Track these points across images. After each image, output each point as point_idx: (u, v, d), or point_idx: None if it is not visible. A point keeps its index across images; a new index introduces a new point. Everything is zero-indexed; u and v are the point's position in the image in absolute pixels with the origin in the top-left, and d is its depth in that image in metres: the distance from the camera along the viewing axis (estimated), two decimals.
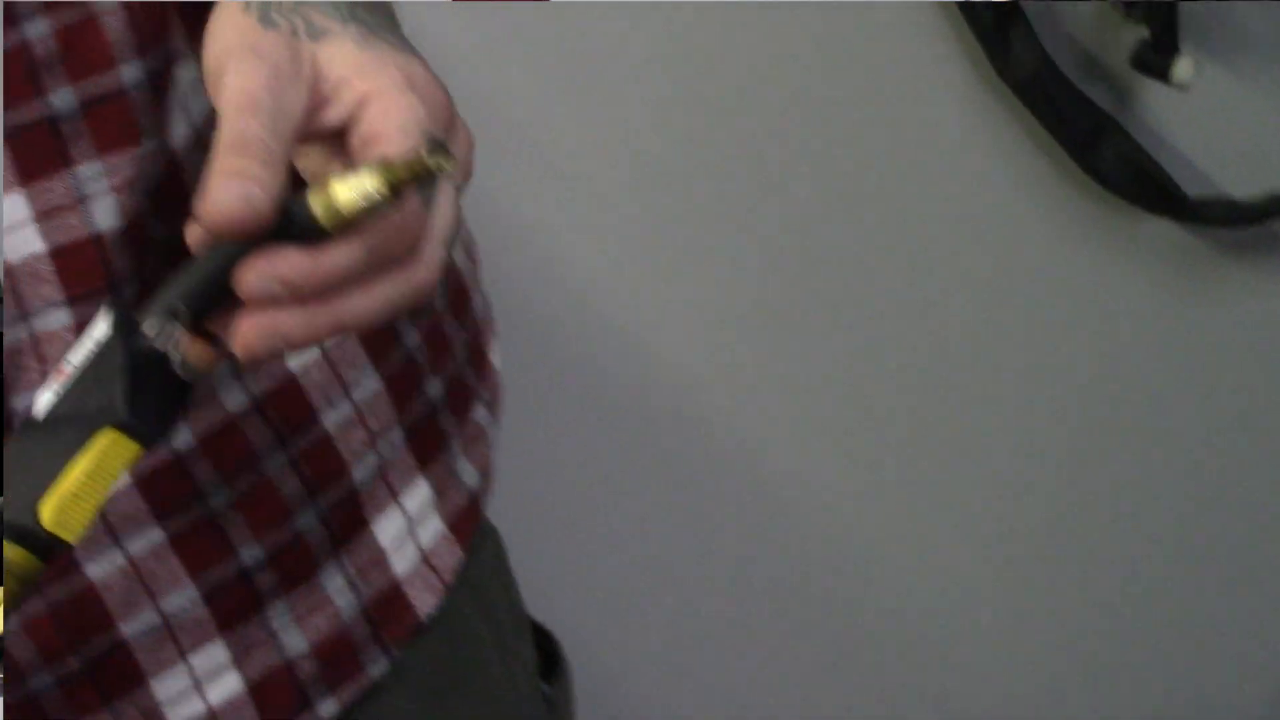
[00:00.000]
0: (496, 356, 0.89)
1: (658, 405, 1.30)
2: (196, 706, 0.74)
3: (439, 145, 0.56)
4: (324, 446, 0.76)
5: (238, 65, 0.59)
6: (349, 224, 0.57)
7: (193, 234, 0.58)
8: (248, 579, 0.74)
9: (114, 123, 0.68)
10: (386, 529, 0.78)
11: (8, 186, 0.67)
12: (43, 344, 0.68)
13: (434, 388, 0.81)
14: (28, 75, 0.67)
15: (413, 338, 0.80)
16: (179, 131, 0.71)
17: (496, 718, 0.85)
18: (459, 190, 0.63)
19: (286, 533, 0.75)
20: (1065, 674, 1.44)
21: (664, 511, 1.33)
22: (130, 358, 0.58)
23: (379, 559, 0.78)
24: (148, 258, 0.70)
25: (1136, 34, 1.22)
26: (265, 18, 0.62)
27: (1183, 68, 1.20)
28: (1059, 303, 1.33)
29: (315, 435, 0.75)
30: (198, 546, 0.73)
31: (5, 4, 0.66)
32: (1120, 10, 1.22)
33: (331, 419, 0.76)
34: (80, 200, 0.68)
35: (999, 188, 1.29)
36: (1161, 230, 1.32)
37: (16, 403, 0.68)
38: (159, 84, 0.70)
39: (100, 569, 0.71)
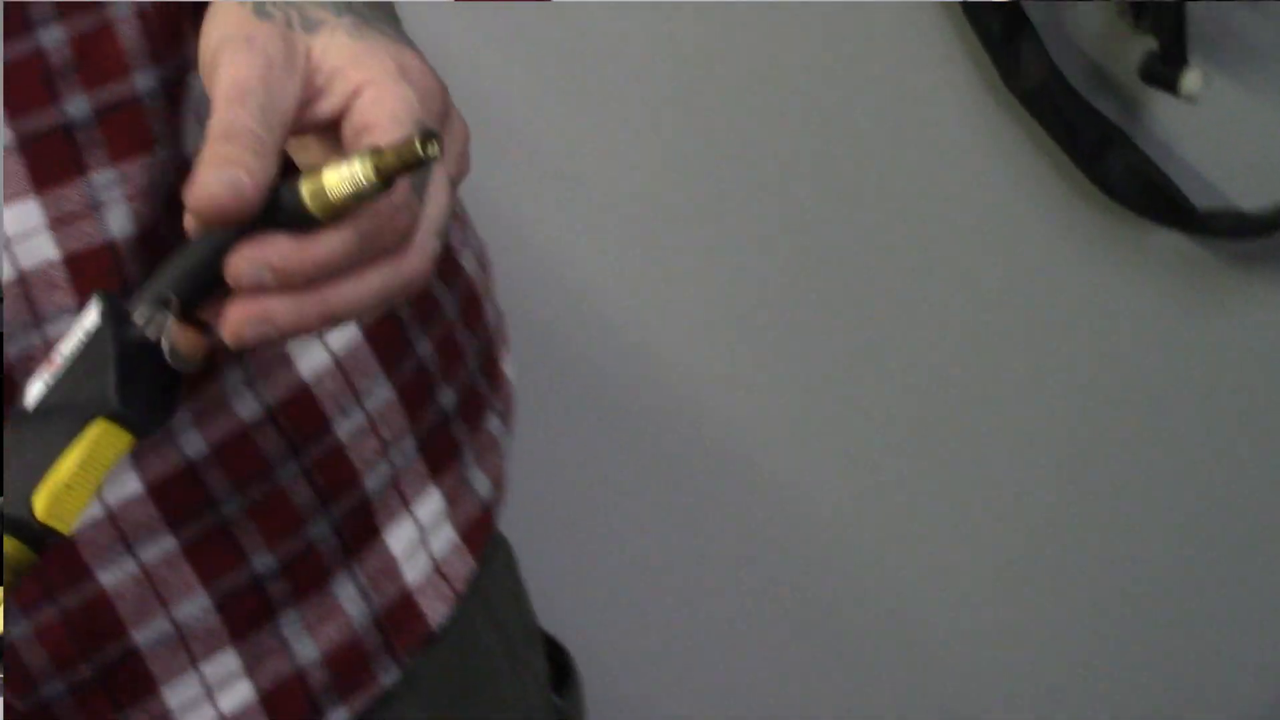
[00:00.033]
0: (509, 366, 0.89)
1: (668, 415, 1.30)
2: (208, 714, 0.74)
3: (430, 134, 0.56)
4: (336, 455, 0.76)
5: (231, 55, 0.60)
6: (339, 212, 0.57)
7: (188, 224, 0.58)
8: (260, 587, 0.74)
9: (128, 130, 0.68)
10: (398, 538, 0.78)
11: (23, 194, 0.67)
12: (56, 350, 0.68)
13: (446, 397, 0.81)
14: (43, 82, 0.67)
15: (425, 346, 0.80)
16: (193, 139, 0.71)
17: None
18: (455, 183, 0.63)
19: (298, 541, 0.75)
20: (1065, 674, 1.43)
21: (675, 523, 1.33)
22: (121, 347, 0.58)
23: (391, 568, 0.78)
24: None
25: (1145, 45, 1.22)
26: (260, 10, 0.62)
27: (1191, 79, 1.20)
28: (1066, 313, 1.33)
29: (328, 444, 0.75)
30: (210, 555, 0.73)
31: (21, 10, 0.66)
32: (1129, 21, 1.22)
33: (344, 428, 0.76)
34: (94, 208, 0.68)
35: (1006, 198, 1.29)
36: (1169, 242, 1.32)
37: None
38: (173, 92, 0.70)
39: (113, 577, 0.71)
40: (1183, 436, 1.38)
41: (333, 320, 0.59)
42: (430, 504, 0.80)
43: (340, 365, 0.75)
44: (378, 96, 0.60)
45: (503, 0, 1.16)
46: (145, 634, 0.72)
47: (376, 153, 0.56)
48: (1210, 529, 1.41)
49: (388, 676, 0.78)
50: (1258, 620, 1.44)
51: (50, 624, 0.70)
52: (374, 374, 0.77)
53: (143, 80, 0.69)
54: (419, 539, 0.79)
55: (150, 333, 0.58)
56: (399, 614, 0.78)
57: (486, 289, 0.88)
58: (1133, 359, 1.35)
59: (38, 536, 0.57)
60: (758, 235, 1.27)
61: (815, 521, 1.36)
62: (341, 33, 0.62)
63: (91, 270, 0.68)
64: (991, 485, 1.37)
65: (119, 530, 0.70)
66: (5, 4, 0.66)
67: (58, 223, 0.67)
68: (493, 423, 0.85)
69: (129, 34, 0.68)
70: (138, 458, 0.70)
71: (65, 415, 0.58)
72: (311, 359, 0.74)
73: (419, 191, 0.60)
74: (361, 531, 0.77)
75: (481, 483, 0.83)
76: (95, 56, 0.67)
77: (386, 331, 0.77)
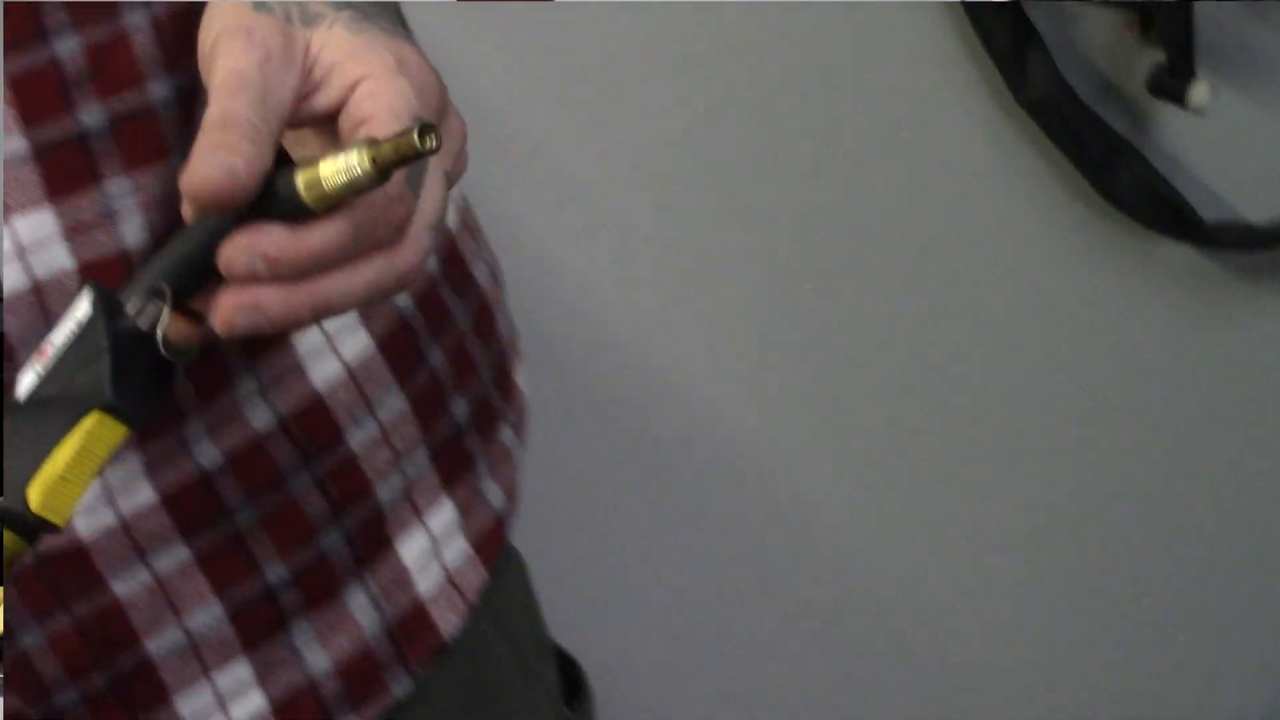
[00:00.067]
0: (522, 378, 0.88)
1: (680, 427, 1.30)
2: None
3: (429, 127, 0.56)
4: (349, 466, 0.75)
5: (229, 46, 0.60)
6: (333, 202, 0.57)
7: (184, 211, 0.58)
8: (272, 597, 0.74)
9: (143, 139, 0.68)
10: (411, 549, 0.78)
11: (38, 203, 0.67)
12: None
13: (459, 408, 0.81)
14: (58, 92, 0.67)
15: (437, 357, 0.80)
16: None
17: None
18: (452, 180, 0.63)
19: (311, 552, 0.75)
20: (1066, 675, 1.44)
21: (689, 536, 1.33)
22: (114, 338, 0.58)
23: (403, 579, 0.78)
24: None
25: (1153, 58, 1.23)
26: (259, 2, 0.62)
27: (1199, 92, 1.20)
28: (1074, 325, 1.33)
29: (341, 455, 0.75)
30: (223, 565, 0.73)
31: (37, 20, 0.66)
32: (1137, 33, 1.22)
33: (357, 438, 0.75)
34: (109, 216, 0.68)
35: (1014, 210, 1.29)
36: (1177, 254, 1.32)
37: None
38: (187, 101, 0.70)
39: (126, 586, 0.71)
40: (1189, 447, 1.38)
41: (324, 312, 0.58)
42: (443, 515, 0.79)
43: (353, 375, 0.75)
44: (375, 90, 0.60)
45: (503, 0, 1.16)
46: (158, 643, 0.72)
47: (373, 144, 0.56)
48: (1215, 537, 1.41)
49: (399, 687, 0.78)
50: (1258, 621, 1.44)
51: (63, 633, 0.70)
52: (387, 384, 0.77)
53: (157, 89, 0.69)
54: (431, 550, 0.79)
55: (143, 323, 0.58)
56: (411, 624, 0.78)
57: (499, 301, 0.88)
58: (1140, 371, 1.35)
59: (32, 529, 0.57)
60: (766, 245, 1.27)
61: (832, 537, 1.36)
62: (340, 27, 0.62)
63: (105, 279, 0.68)
64: (999, 494, 1.37)
65: (132, 540, 0.70)
66: (21, 13, 0.66)
67: (72, 232, 0.67)
68: (506, 434, 0.85)
69: (143, 43, 0.68)
70: (151, 467, 0.70)
71: (59, 407, 0.58)
72: (324, 369, 0.74)
73: (414, 185, 0.60)
74: (374, 542, 0.77)
75: (494, 494, 0.82)
76: (110, 66, 0.67)
77: (399, 342, 0.77)
